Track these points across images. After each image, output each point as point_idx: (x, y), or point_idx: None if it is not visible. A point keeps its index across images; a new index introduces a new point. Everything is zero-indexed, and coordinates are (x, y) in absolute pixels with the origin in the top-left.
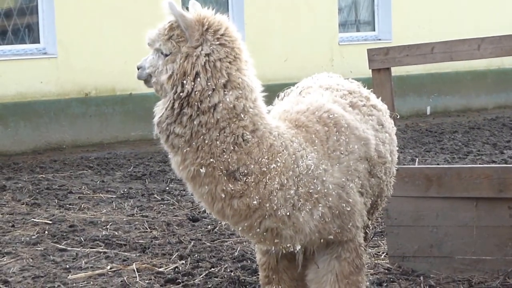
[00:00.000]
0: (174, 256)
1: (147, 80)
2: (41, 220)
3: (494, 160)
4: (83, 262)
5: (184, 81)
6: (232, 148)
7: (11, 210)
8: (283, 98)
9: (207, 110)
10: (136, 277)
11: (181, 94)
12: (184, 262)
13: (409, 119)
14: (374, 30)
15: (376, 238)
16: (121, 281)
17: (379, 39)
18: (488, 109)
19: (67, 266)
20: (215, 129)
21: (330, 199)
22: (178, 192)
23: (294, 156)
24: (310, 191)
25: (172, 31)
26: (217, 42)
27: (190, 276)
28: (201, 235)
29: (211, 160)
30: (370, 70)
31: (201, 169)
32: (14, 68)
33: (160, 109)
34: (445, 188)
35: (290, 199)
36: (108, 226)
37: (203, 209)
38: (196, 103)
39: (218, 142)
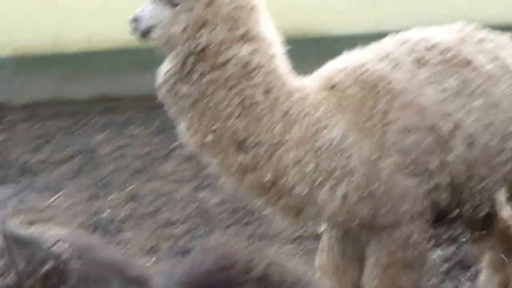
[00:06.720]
0: None
1: (145, 33)
2: None
3: None
4: None
5: (200, 33)
6: (239, 111)
7: None
8: None
9: (220, 65)
10: None
11: (196, 48)
12: None
13: None
14: None
15: None
16: None
17: None
18: None
19: None
20: (223, 87)
21: (355, 177)
22: None
23: (315, 126)
24: (332, 167)
25: None
26: None
27: None
28: None
29: (217, 125)
30: None
31: (207, 137)
32: None
33: (166, 67)
34: None
35: (308, 175)
36: None
37: None
38: (211, 58)
39: (224, 104)
